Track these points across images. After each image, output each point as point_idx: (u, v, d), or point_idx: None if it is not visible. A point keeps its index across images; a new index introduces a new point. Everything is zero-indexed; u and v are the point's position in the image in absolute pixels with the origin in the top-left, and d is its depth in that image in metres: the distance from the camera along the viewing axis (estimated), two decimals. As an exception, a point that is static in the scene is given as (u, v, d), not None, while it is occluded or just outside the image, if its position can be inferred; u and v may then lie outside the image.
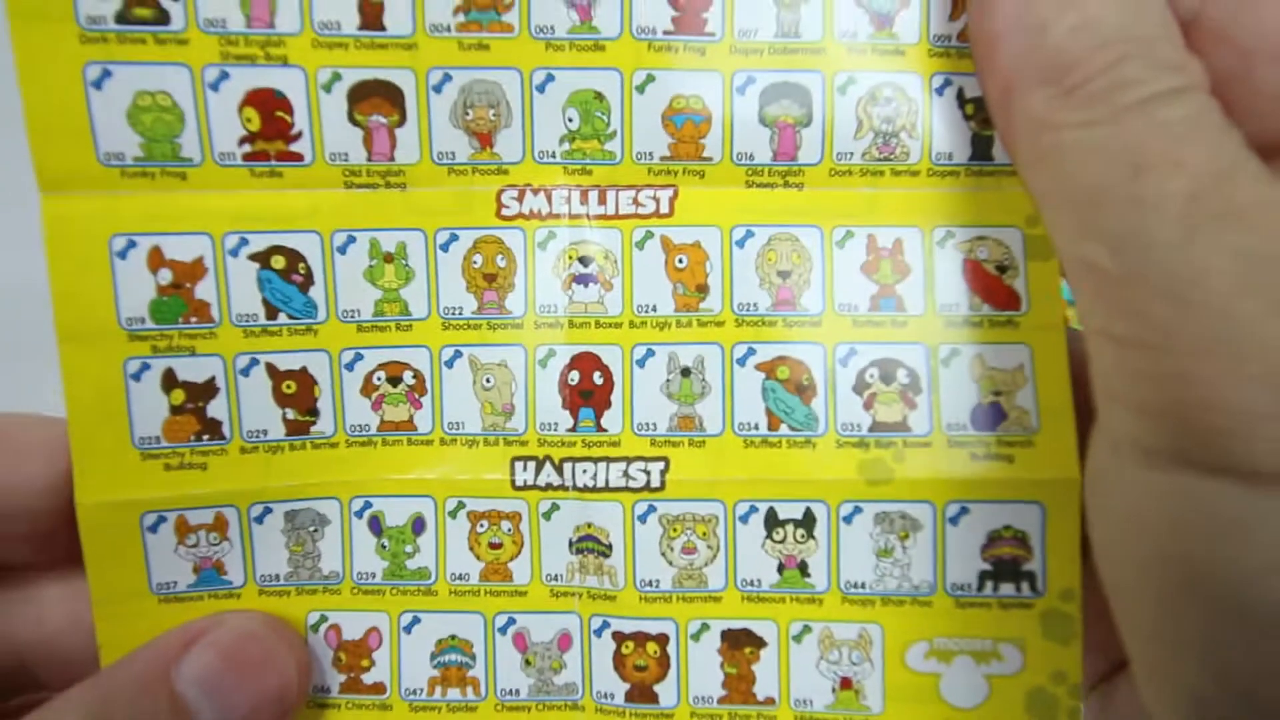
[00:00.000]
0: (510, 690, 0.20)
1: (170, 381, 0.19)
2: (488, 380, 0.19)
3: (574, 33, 0.18)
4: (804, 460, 0.19)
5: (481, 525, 0.20)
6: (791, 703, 0.19)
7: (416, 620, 0.20)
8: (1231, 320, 0.13)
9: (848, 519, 0.19)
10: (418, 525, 0.20)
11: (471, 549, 0.20)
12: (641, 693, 0.20)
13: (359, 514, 0.20)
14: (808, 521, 0.19)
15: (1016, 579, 0.19)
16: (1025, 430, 0.18)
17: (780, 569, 0.19)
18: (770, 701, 0.19)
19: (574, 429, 0.19)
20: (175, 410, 0.19)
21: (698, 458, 0.19)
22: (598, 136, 0.19)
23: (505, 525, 0.20)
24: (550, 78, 0.18)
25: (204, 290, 0.19)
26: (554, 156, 0.19)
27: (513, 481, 0.19)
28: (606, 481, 0.19)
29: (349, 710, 0.20)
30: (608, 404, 0.19)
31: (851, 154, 0.19)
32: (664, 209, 0.19)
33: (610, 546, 0.19)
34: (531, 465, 0.19)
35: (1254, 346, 0.13)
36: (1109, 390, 0.14)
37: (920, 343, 0.19)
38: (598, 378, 0.19)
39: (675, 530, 0.19)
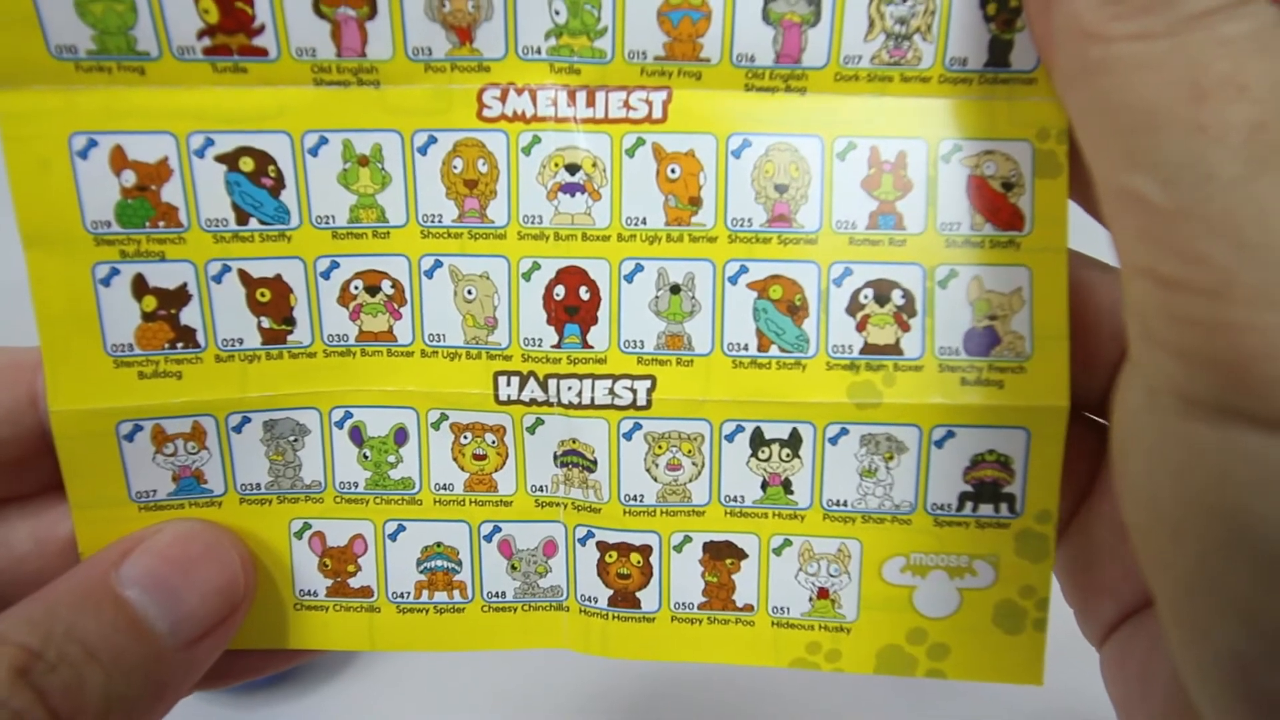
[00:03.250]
0: (496, 593, 0.20)
1: (141, 287, 0.18)
2: (469, 292, 0.19)
3: None
4: (793, 382, 0.19)
5: (465, 437, 0.20)
6: (769, 609, 0.20)
7: (401, 528, 0.20)
8: None
9: (833, 440, 0.19)
10: (400, 436, 0.20)
11: (455, 460, 0.20)
12: (624, 598, 0.20)
13: (339, 424, 0.19)
14: (793, 441, 0.19)
15: (996, 500, 0.19)
16: (1018, 356, 0.18)
17: (764, 486, 0.19)
18: (749, 608, 0.20)
19: (559, 345, 0.19)
20: (147, 317, 0.18)
21: (685, 377, 0.19)
22: (587, 32, 0.17)
23: (489, 438, 0.19)
24: None
25: (170, 193, 0.18)
26: (539, 53, 0.18)
27: (496, 395, 0.19)
28: (592, 399, 0.19)
29: (336, 612, 0.20)
30: (594, 320, 0.19)
31: (860, 57, 0.17)
32: (657, 114, 0.18)
33: (595, 462, 0.19)
34: (515, 380, 0.19)
35: None
36: (1149, 333, 0.13)
37: (917, 263, 0.18)
38: (584, 293, 0.19)
39: (660, 447, 0.19)
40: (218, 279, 0.18)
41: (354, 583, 0.20)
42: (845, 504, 0.19)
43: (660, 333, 0.19)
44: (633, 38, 0.17)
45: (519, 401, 0.19)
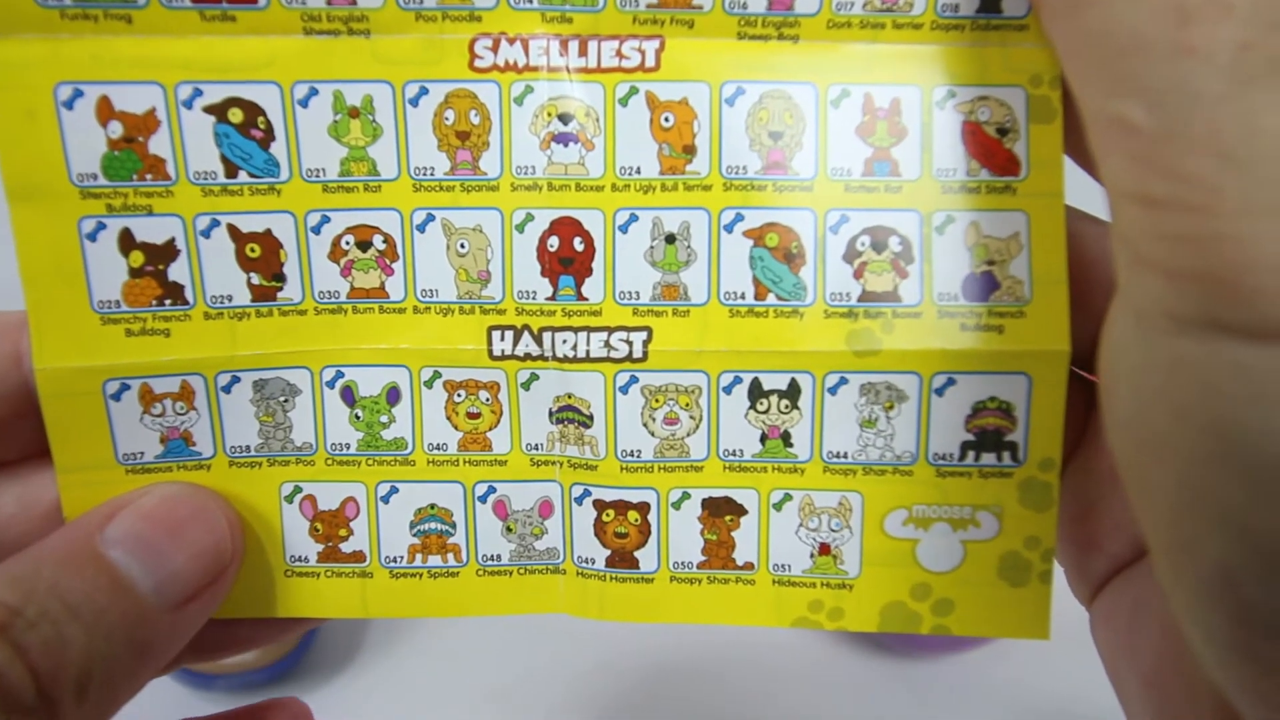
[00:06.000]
0: (491, 556, 0.20)
1: (128, 242, 0.18)
2: (462, 245, 0.19)
3: None
4: (790, 330, 0.19)
5: (459, 395, 0.19)
6: (770, 567, 0.20)
7: (394, 490, 0.20)
8: None
9: (833, 390, 0.19)
10: (392, 395, 0.19)
11: (449, 419, 0.19)
12: (622, 558, 0.20)
13: (330, 384, 0.19)
14: (792, 392, 0.19)
15: (998, 449, 0.19)
16: (1017, 300, 0.18)
17: (763, 439, 0.19)
18: (749, 567, 0.20)
19: (553, 297, 0.19)
20: (134, 273, 0.18)
21: (681, 327, 0.19)
22: None
23: (483, 395, 0.19)
24: None
25: (158, 145, 0.18)
26: (531, 2, 0.17)
27: (490, 351, 0.19)
28: (587, 352, 0.19)
29: (328, 579, 0.20)
30: (589, 272, 0.19)
31: (851, 4, 0.17)
32: (650, 62, 0.18)
33: (591, 417, 0.19)
34: (509, 335, 0.19)
35: None
36: (1136, 256, 0.13)
37: (914, 209, 0.18)
38: (578, 244, 0.18)
39: (657, 401, 0.19)
40: (206, 234, 0.18)
41: (346, 547, 0.20)
42: (845, 456, 0.19)
43: (656, 283, 0.19)
44: None
45: (513, 356, 0.19)
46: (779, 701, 0.38)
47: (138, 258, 0.18)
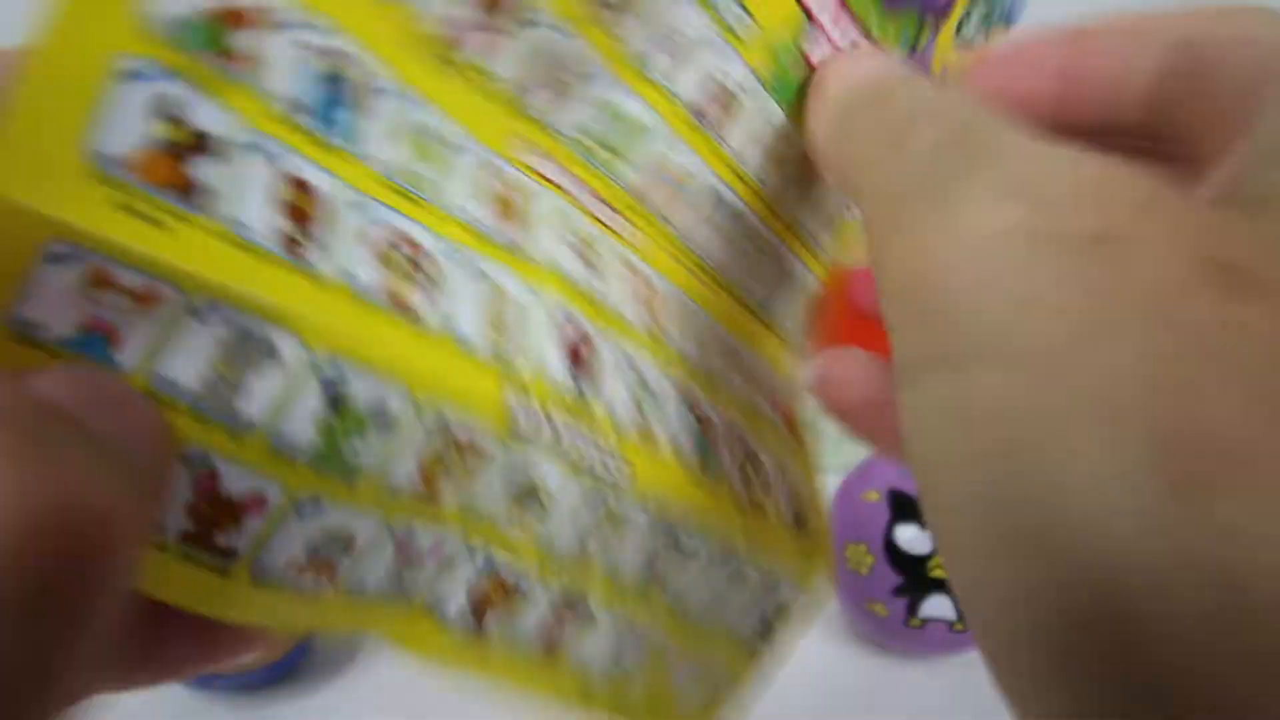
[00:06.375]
0: (359, 581, 0.17)
1: (170, 111, 0.15)
2: (493, 296, 0.19)
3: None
4: (706, 491, 0.22)
5: (448, 450, 0.18)
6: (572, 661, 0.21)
7: (317, 509, 0.16)
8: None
9: (715, 558, 0.22)
10: (381, 419, 0.17)
11: (421, 468, 0.17)
12: (476, 615, 0.19)
13: (324, 374, 0.16)
14: (684, 546, 0.22)
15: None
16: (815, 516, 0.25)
17: (642, 565, 0.21)
18: (563, 656, 0.21)
19: (569, 384, 0.20)
20: (161, 145, 0.14)
21: (653, 468, 0.21)
22: (618, 155, 0.22)
23: (471, 460, 0.18)
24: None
25: (255, 43, 0.15)
26: (574, 147, 0.21)
27: (508, 420, 0.18)
28: (582, 455, 0.20)
29: (176, 562, 0.15)
30: (594, 376, 0.20)
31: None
32: (637, 242, 0.22)
33: (549, 512, 0.19)
34: (523, 410, 0.19)
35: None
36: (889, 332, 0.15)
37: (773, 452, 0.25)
38: (585, 349, 0.20)
39: (606, 524, 0.20)
40: (268, 155, 0.16)
41: (221, 539, 0.15)
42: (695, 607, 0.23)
43: (634, 420, 0.21)
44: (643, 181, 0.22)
45: (524, 436, 0.19)
46: (777, 701, 0.32)
47: (174, 130, 0.15)
